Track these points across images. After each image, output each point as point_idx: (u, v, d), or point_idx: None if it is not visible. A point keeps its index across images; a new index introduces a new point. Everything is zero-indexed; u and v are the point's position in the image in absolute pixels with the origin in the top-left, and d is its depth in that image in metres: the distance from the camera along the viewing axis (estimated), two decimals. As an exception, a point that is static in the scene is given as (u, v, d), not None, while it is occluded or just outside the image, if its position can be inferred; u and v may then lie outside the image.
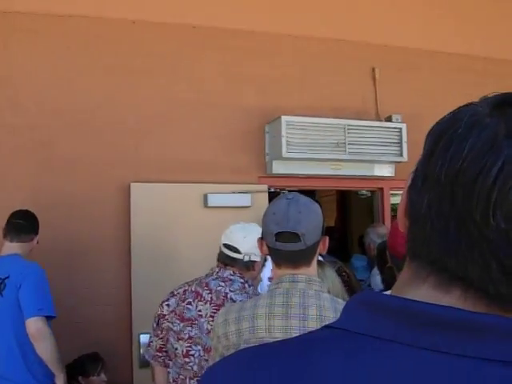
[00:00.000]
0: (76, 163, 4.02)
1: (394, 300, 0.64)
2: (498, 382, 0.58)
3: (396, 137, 4.49)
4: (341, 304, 1.83)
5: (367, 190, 4.89)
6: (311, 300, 1.85)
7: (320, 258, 2.58)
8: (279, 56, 4.56)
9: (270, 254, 1.96)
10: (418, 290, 0.65)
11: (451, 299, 0.63)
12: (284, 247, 1.87)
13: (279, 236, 1.87)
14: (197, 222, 4.09)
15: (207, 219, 4.08)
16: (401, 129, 4.49)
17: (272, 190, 4.41)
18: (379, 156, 4.43)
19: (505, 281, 0.61)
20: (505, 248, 0.60)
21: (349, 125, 4.34)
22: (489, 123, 0.62)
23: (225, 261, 2.68)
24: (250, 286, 2.60)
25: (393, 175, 4.61)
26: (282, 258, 1.90)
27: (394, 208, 4.87)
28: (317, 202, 2.01)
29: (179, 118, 4.25)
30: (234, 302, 2.47)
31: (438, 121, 0.68)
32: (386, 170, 4.63)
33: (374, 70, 4.78)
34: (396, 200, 4.88)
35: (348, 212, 7.68)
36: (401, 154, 4.46)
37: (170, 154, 4.20)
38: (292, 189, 4.53)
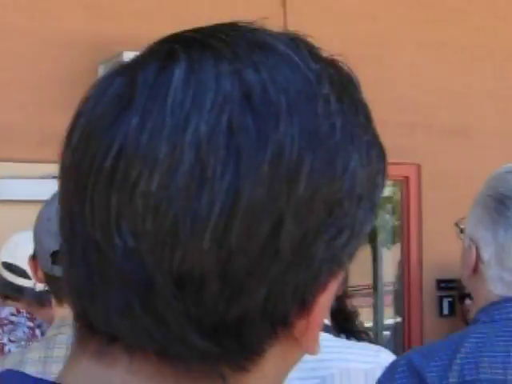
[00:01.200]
0: None
1: None
2: None
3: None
4: None
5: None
6: None
7: None
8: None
9: (46, 284, 2.01)
10: (79, 365, 0.66)
11: (119, 374, 0.62)
12: None
13: (58, 256, 1.85)
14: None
15: (0, 220, 4.19)
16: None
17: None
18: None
19: (168, 334, 0.60)
20: (145, 279, 0.59)
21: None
22: (119, 82, 0.64)
23: (4, 291, 2.80)
24: (43, 335, 2.63)
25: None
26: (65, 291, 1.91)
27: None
28: None
29: None
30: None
31: None
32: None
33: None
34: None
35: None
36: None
37: None
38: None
